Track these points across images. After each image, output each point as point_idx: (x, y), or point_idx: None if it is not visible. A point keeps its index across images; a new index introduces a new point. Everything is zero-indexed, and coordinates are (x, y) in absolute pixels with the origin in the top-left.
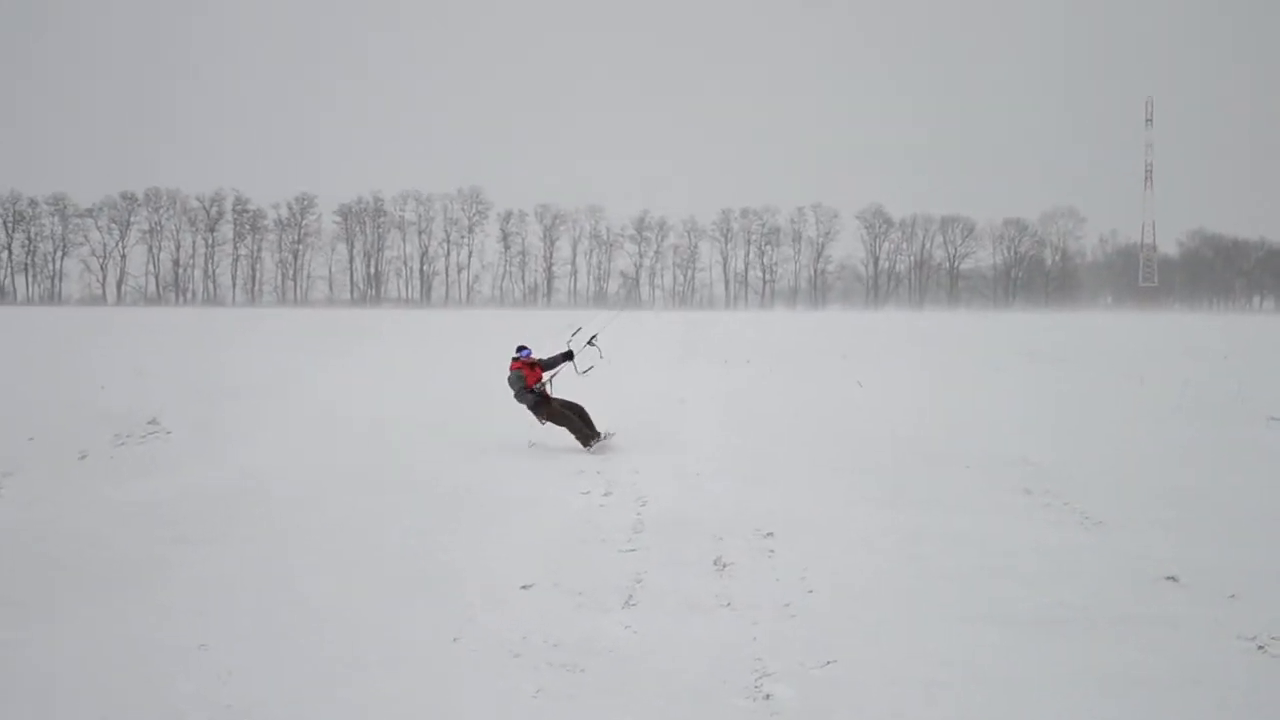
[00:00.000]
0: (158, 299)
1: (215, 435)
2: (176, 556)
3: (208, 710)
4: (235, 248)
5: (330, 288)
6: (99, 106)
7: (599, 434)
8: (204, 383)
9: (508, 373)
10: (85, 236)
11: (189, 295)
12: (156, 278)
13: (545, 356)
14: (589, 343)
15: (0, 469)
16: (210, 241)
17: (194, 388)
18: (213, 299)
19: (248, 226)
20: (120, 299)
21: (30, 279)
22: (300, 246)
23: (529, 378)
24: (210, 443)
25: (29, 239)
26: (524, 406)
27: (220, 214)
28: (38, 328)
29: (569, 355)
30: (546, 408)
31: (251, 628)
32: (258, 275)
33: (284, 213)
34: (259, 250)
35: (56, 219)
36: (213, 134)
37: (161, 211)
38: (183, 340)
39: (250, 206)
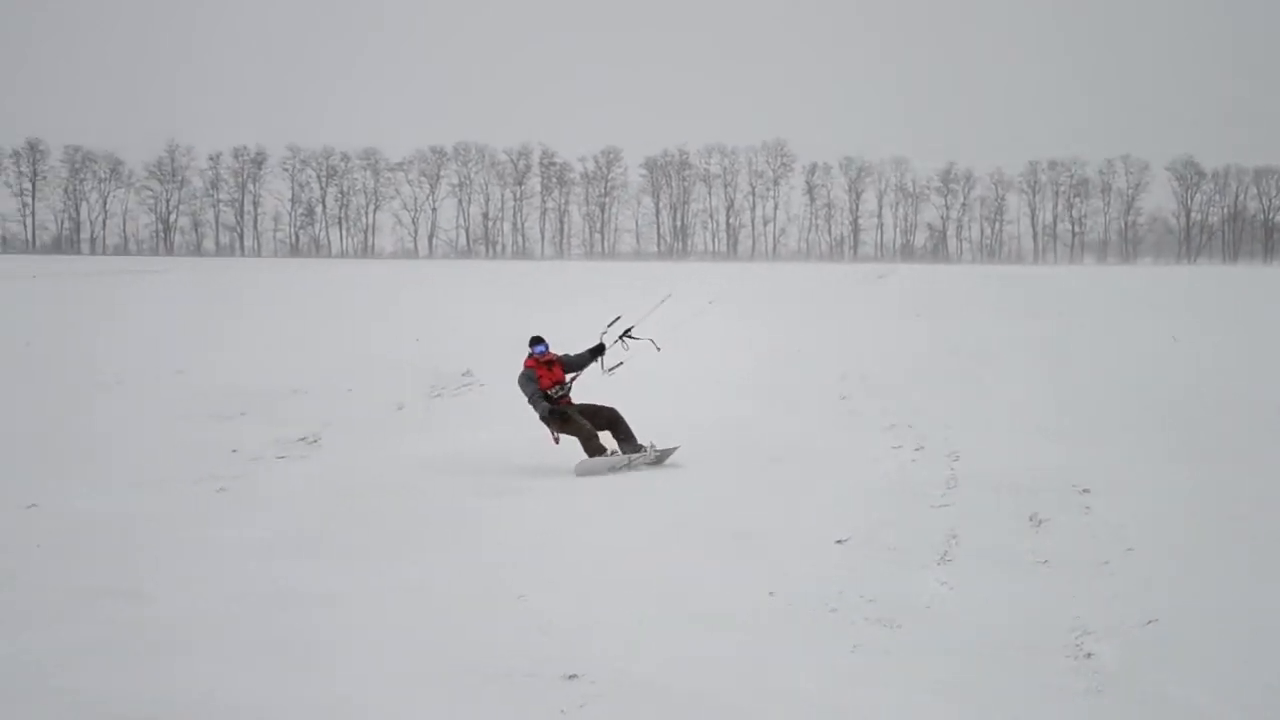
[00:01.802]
0: (468, 252)
1: None
2: (490, 509)
3: (529, 662)
4: (543, 201)
5: (637, 240)
6: (409, 64)
7: (640, 447)
8: (516, 336)
9: (520, 370)
10: (396, 190)
11: (498, 249)
12: (466, 231)
13: (571, 354)
14: (623, 336)
15: (320, 420)
16: (518, 195)
17: (507, 341)
18: (521, 252)
19: (555, 180)
20: (431, 252)
21: (344, 232)
22: (607, 200)
23: (543, 378)
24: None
25: (342, 193)
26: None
27: (528, 167)
28: (354, 281)
29: (598, 351)
30: (560, 420)
31: (564, 581)
32: (565, 228)
33: (590, 166)
34: (566, 203)
35: (368, 173)
36: (519, 88)
37: (470, 165)
38: (493, 294)
39: (557, 160)
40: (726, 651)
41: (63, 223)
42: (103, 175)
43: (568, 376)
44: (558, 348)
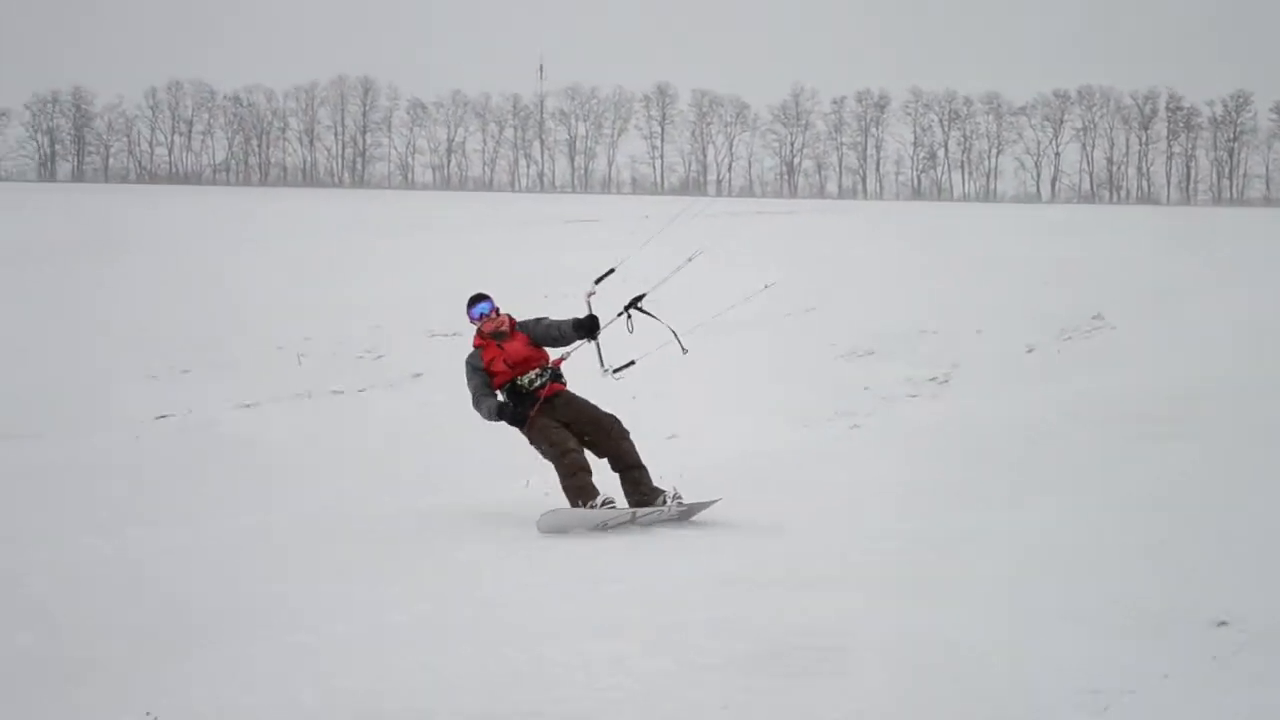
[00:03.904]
0: (1091, 197)
1: (1161, 333)
2: (1130, 454)
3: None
4: (1169, 145)
5: (1267, 186)
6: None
7: (655, 494)
8: (1148, 280)
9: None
10: (1019, 134)
11: (1122, 193)
12: (1090, 175)
13: (545, 318)
14: (632, 307)
15: (949, 360)
16: (1144, 140)
17: (1137, 285)
18: (1146, 197)
19: (1181, 124)
20: (1054, 196)
21: (965, 176)
22: (1235, 145)
23: (495, 361)
24: (1156, 340)
25: (965, 136)
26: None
27: (1154, 112)
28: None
29: (588, 329)
30: (537, 427)
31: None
32: (1192, 173)
33: (1218, 110)
34: (1193, 148)
35: (990, 117)
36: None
37: (1094, 110)
38: (1128, 239)
39: (1184, 104)
40: None
41: (690, 165)
42: (729, 119)
43: (554, 354)
44: None
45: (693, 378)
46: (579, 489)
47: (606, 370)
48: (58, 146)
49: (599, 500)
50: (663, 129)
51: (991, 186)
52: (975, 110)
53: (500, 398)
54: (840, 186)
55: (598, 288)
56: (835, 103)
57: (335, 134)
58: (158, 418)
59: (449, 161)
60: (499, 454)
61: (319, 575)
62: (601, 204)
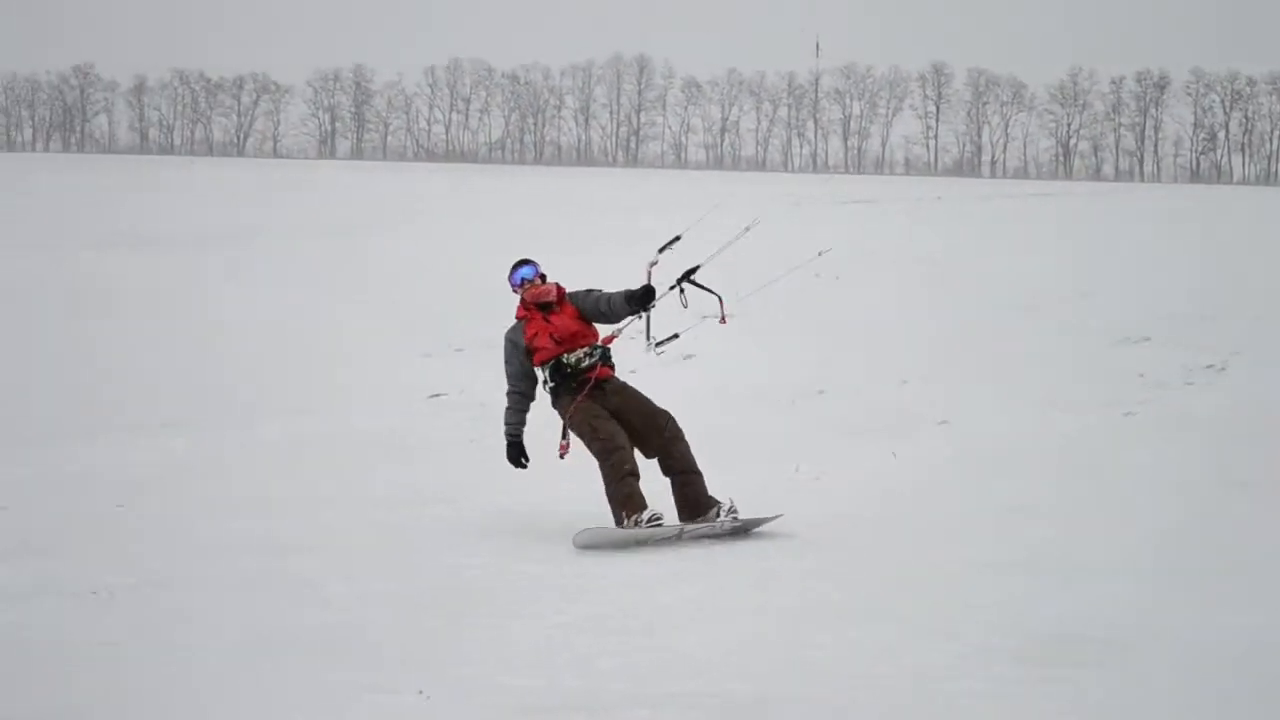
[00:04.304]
0: None
1: None
2: None
3: None
4: None
5: None
6: None
7: (711, 505)
8: None
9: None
10: None
11: None
12: None
13: (604, 290)
14: (684, 280)
15: (1228, 347)
16: None
17: None
18: None
19: None
20: None
21: (1246, 158)
22: None
23: (539, 336)
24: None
25: (1246, 118)
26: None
27: None
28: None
29: (643, 299)
30: (576, 418)
31: None
32: None
33: None
34: None
35: (1275, 98)
36: None
37: None
38: None
39: None
40: None
41: (964, 145)
42: (1005, 99)
43: (603, 332)
44: None
45: (958, 363)
46: (626, 498)
47: (650, 344)
48: (337, 124)
49: (645, 516)
50: (938, 109)
51: (1273, 169)
52: (1259, 91)
53: (520, 419)
54: (1116, 169)
55: (660, 256)
56: (1114, 83)
57: (610, 112)
58: (431, 396)
59: (722, 140)
60: (762, 433)
61: (581, 555)
62: (873, 184)
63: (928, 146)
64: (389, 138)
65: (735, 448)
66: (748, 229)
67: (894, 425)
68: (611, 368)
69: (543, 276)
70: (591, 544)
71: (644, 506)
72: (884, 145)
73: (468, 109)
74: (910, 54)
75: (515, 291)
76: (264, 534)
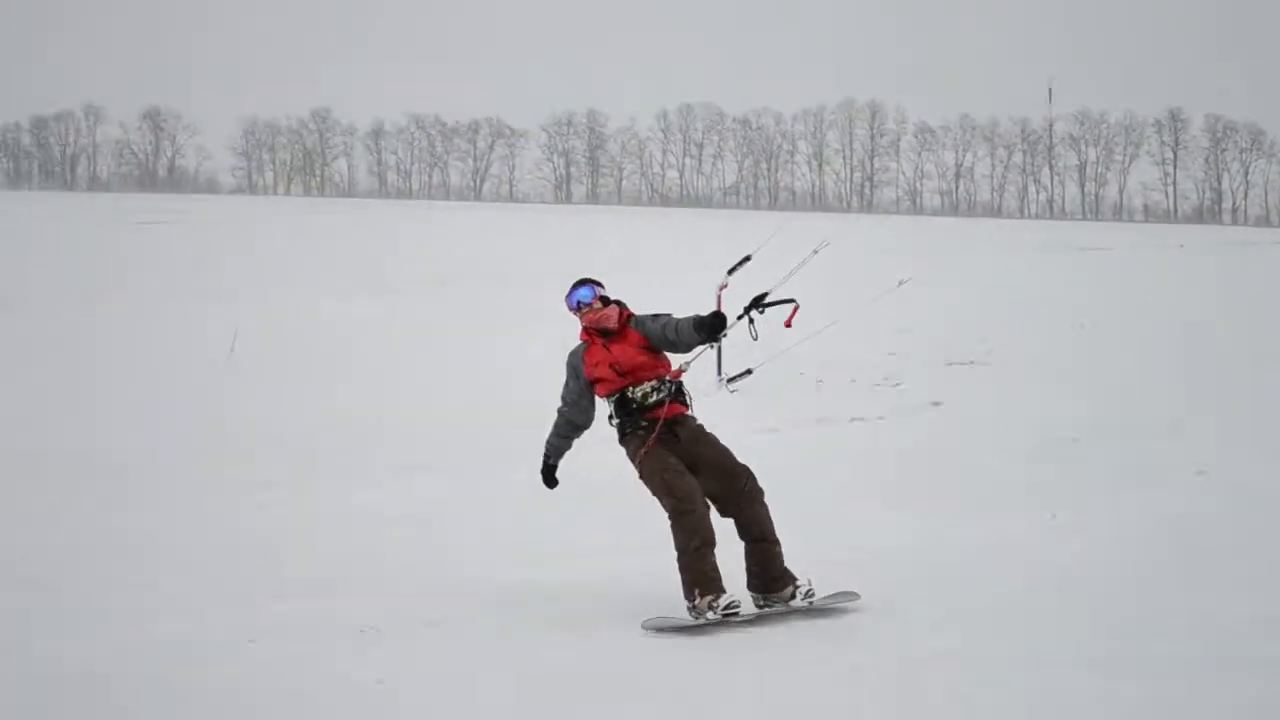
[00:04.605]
0: None
1: None
2: None
3: None
4: None
5: None
6: None
7: (790, 579)
8: None
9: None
10: None
11: None
12: None
13: (664, 315)
14: (754, 307)
15: None
16: None
17: None
18: None
19: None
20: None
21: None
22: None
23: (598, 366)
24: None
25: None
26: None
27: None
28: None
29: (714, 327)
30: (654, 463)
31: None
32: None
33: None
34: None
35: None
36: None
37: None
38: None
39: None
40: None
41: (1203, 192)
42: (1244, 145)
43: (675, 362)
44: None
45: (1216, 412)
46: (701, 575)
47: (721, 381)
48: (572, 169)
49: (722, 604)
50: (1175, 155)
51: None
52: None
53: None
54: None
55: (730, 279)
56: None
57: (843, 157)
58: None
59: (957, 186)
60: (1014, 480)
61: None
62: (1112, 230)
63: (1166, 193)
64: (623, 182)
65: (987, 495)
66: (816, 251)
67: (1150, 474)
68: (685, 405)
69: (604, 299)
70: (660, 627)
71: (720, 590)
72: (1121, 192)
73: (700, 154)
74: (1145, 100)
75: (573, 314)
76: (531, 582)
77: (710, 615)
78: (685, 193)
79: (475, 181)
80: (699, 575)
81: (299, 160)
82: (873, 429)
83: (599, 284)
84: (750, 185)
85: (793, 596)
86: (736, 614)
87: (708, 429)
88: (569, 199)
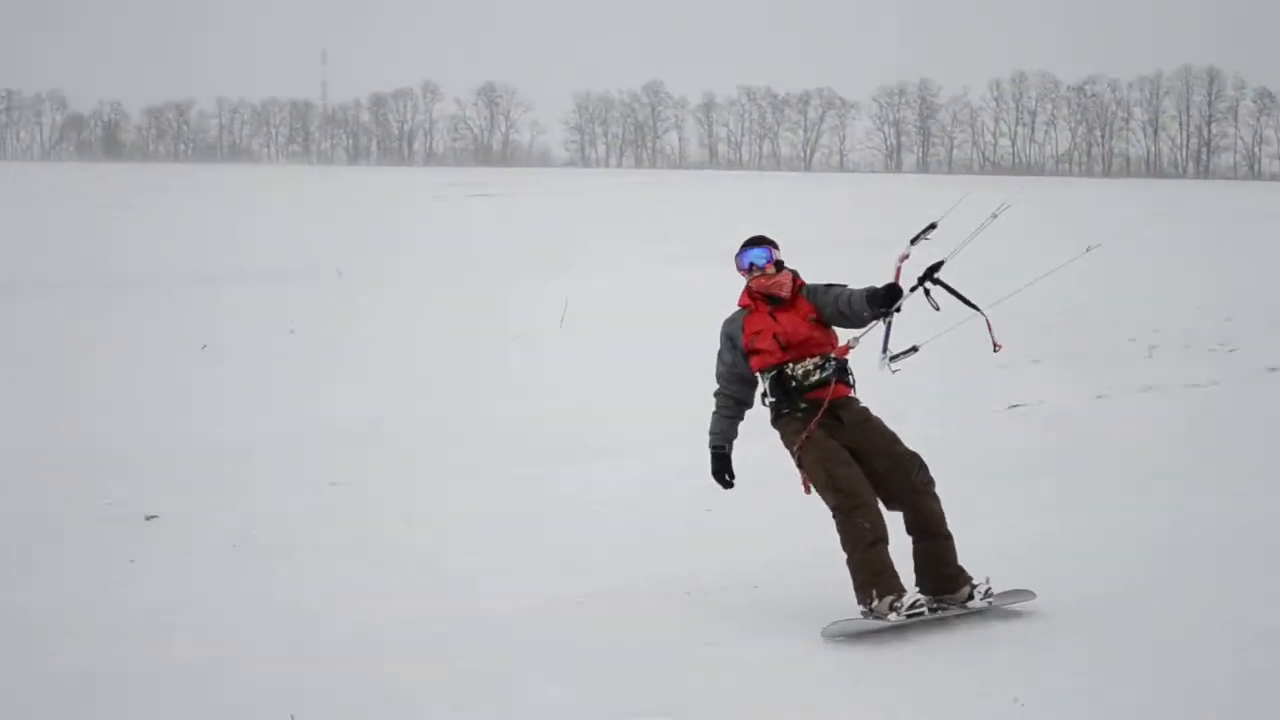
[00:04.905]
0: None
1: None
2: None
3: None
4: None
5: None
6: None
7: (966, 583)
8: None
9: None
10: None
11: None
12: None
13: (838, 286)
14: (927, 279)
15: None
16: None
17: None
18: None
19: None
20: None
21: None
22: None
23: (760, 336)
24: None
25: None
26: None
27: None
28: None
29: (888, 299)
30: (816, 451)
31: None
32: None
33: None
34: None
35: None
36: None
37: None
38: None
39: None
40: None
41: None
42: None
43: (843, 338)
44: None
45: None
46: (875, 576)
47: (885, 359)
48: (903, 138)
49: (905, 604)
50: None
51: None
52: None
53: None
54: None
55: (913, 248)
56: None
57: (1180, 124)
58: (1010, 406)
59: None
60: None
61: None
62: None
63: None
64: (954, 151)
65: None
66: (995, 215)
67: None
68: (850, 386)
69: (778, 264)
70: (842, 634)
71: (901, 589)
72: None
73: (1033, 122)
74: None
75: (742, 275)
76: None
77: (893, 617)
78: (1017, 160)
79: (805, 152)
80: (875, 577)
81: (630, 134)
82: (1206, 395)
83: (774, 245)
84: (1084, 153)
85: (970, 597)
86: (922, 614)
87: (873, 413)
88: (899, 168)
